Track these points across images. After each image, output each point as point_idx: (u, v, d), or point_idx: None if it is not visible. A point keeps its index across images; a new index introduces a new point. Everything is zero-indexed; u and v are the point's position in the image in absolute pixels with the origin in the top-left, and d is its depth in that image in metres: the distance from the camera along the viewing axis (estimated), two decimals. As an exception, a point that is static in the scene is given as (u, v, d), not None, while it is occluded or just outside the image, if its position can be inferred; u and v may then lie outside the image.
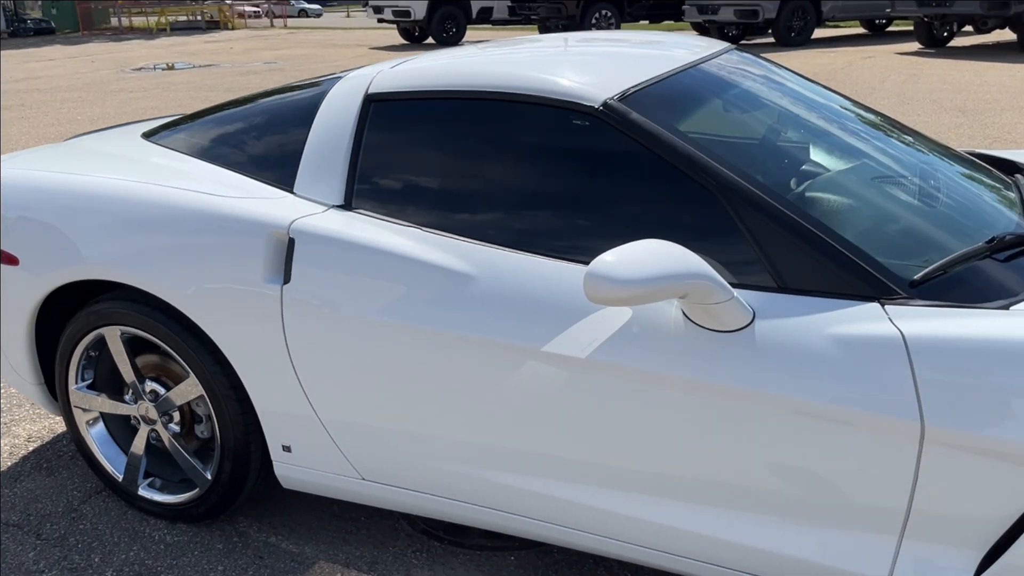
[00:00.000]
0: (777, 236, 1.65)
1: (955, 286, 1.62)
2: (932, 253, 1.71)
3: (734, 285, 1.67)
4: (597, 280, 1.48)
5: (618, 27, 16.95)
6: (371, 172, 2.04)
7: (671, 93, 1.97)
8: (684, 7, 15.76)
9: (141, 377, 2.28)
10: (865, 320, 1.55)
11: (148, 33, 27.77)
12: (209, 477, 2.23)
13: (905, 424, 1.49)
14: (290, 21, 34.67)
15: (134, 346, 2.27)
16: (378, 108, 2.09)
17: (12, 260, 2.27)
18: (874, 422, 1.51)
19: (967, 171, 2.24)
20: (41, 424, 2.86)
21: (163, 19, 29.14)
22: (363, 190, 2.03)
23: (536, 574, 2.10)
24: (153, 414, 2.28)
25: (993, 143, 6.59)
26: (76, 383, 2.35)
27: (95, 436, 2.39)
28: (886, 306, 1.57)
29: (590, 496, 1.80)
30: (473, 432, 1.86)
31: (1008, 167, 2.51)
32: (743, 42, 16.16)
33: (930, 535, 1.55)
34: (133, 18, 32.26)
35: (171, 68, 15.61)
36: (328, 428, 2.03)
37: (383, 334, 1.88)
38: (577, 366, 1.71)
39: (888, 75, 10.62)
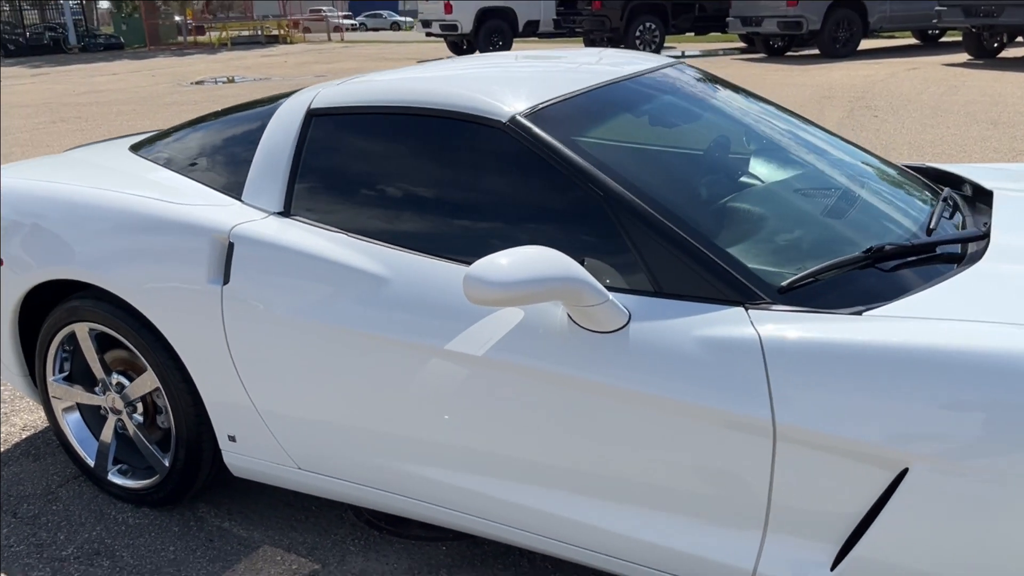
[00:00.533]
0: (654, 243, 1.75)
1: (821, 293, 1.69)
2: (811, 261, 1.78)
3: (619, 289, 1.77)
4: (473, 282, 1.60)
5: (663, 40, 16.97)
6: (308, 181, 2.20)
7: (581, 108, 2.08)
8: (728, 20, 15.72)
9: (108, 370, 2.46)
10: (729, 323, 1.64)
11: (211, 48, 28.70)
12: (167, 464, 2.40)
13: (759, 421, 1.57)
14: (347, 35, 35.40)
15: (104, 341, 2.46)
16: (318, 122, 2.24)
17: (-4, 261, 2.48)
18: (733, 419, 1.60)
19: (888, 184, 2.30)
20: (37, 415, 3.08)
21: (225, 34, 30.08)
22: (301, 198, 2.19)
23: (464, 563, 2.22)
24: (119, 405, 2.46)
25: (1017, 156, 6.49)
26: (53, 375, 2.55)
27: (71, 424, 2.58)
28: (750, 311, 1.65)
29: (488, 485, 1.91)
30: (387, 425, 1.99)
31: (954, 181, 2.55)
32: (789, 53, 16.03)
33: (791, 529, 1.63)
34: (197, 35, 33.34)
35: (231, 81, 16.16)
36: (265, 419, 2.18)
37: (310, 332, 2.02)
38: (474, 363, 1.83)
39: (927, 87, 10.46)
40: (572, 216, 1.86)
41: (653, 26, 16.80)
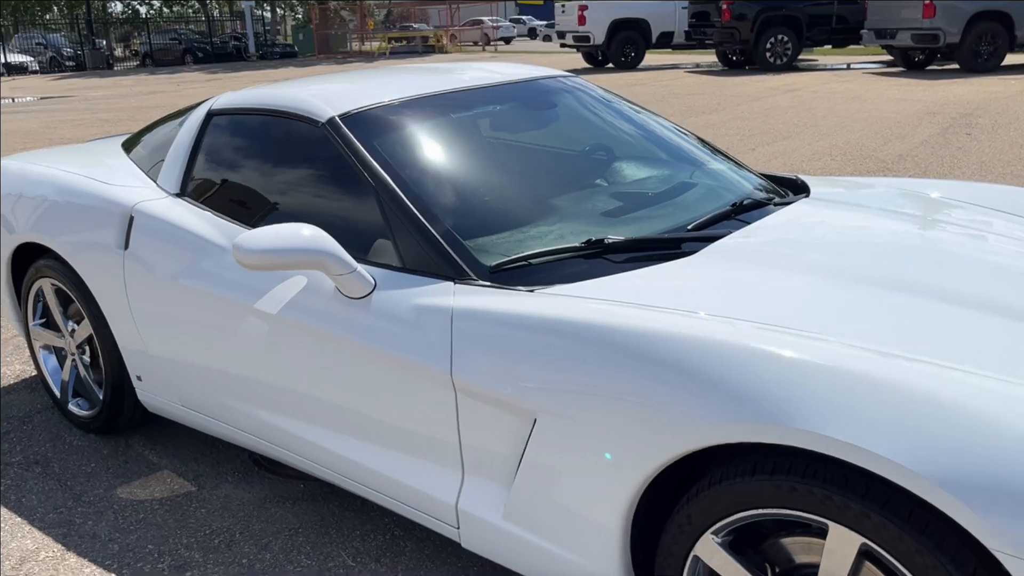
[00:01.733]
0: (403, 227, 2.08)
1: (527, 274, 1.96)
2: (538, 247, 2.05)
3: (379, 264, 2.11)
4: (237, 249, 1.99)
5: (796, 53, 16.58)
6: (199, 168, 2.66)
7: (397, 112, 2.41)
8: (862, 32, 15.19)
9: (66, 319, 3.03)
10: (437, 295, 1.94)
11: (370, 57, 30.46)
12: (101, 399, 2.94)
13: (444, 376, 1.87)
14: (501, 46, 36.41)
15: (64, 295, 3.03)
16: (215, 121, 2.70)
17: (-6, 227, 3.11)
18: (430, 374, 1.90)
19: (705, 188, 2.49)
20: (51, 358, 3.72)
21: (384, 43, 31.82)
22: (192, 182, 2.66)
23: (310, 498, 2.60)
24: (73, 348, 3.02)
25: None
26: (33, 320, 3.15)
27: (45, 361, 3.18)
28: (457, 284, 1.95)
29: (287, 422, 2.30)
30: (224, 367, 2.41)
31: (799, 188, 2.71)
32: (931, 67, 15.27)
33: (480, 470, 1.91)
34: (364, 44, 35.41)
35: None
36: (156, 363, 2.65)
37: (179, 292, 2.48)
38: (271, 320, 2.22)
39: (1053, 105, 9.81)
40: (358, 202, 2.22)
41: (785, 38, 16.46)
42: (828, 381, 1.42)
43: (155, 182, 2.77)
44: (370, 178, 2.19)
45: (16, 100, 18.02)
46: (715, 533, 1.57)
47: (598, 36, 18.78)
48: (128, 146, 3.18)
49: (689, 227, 2.21)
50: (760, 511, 1.50)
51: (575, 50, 20.15)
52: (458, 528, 1.98)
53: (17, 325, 3.30)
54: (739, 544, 1.59)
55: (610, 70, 18.69)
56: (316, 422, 2.23)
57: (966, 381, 1.40)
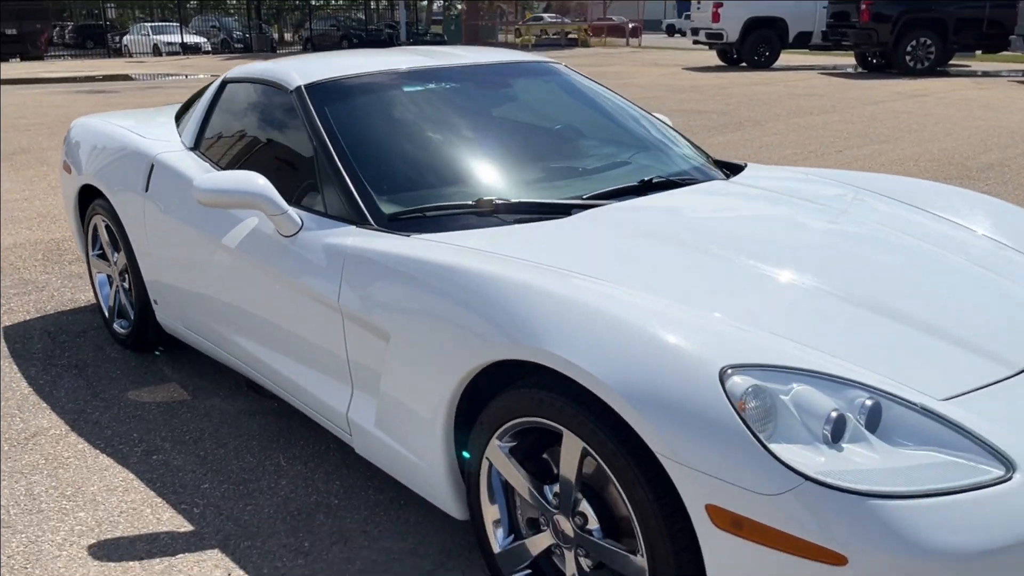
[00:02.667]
0: (328, 180, 2.46)
1: (419, 224, 2.29)
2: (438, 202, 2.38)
3: (311, 210, 2.49)
4: (194, 187, 2.43)
5: (941, 58, 15.79)
6: (210, 127, 3.14)
7: (357, 84, 2.78)
8: (1011, 38, 14.34)
9: (113, 251, 3.60)
10: (340, 236, 2.31)
11: (525, 48, 31.14)
12: (132, 317, 3.49)
13: (335, 303, 2.23)
14: (648, 40, 36.22)
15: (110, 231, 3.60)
16: (228, 87, 3.17)
17: (68, 168, 3.73)
18: (328, 301, 2.27)
19: (640, 163, 2.74)
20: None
21: (528, 36, 32.40)
22: (204, 139, 3.14)
23: (279, 416, 3.03)
24: (116, 275, 3.59)
25: None
26: (92, 250, 3.75)
27: (100, 287, 3.77)
28: (358, 228, 2.30)
29: (240, 338, 2.73)
30: (203, 292, 2.87)
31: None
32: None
33: (362, 384, 2.26)
34: (510, 36, 36.17)
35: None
36: (166, 289, 3.16)
37: (177, 229, 2.96)
38: (231, 252, 2.65)
39: None
40: (306, 159, 2.61)
41: (928, 42, 15.71)
42: (565, 310, 1.69)
43: (180, 138, 3.28)
44: (313, 138, 2.58)
45: (188, 77, 19.73)
46: (499, 438, 1.86)
47: (732, 34, 18.53)
48: (180, 110, 3.72)
49: (585, 196, 2.47)
50: (524, 419, 1.78)
51: (708, 47, 19.96)
52: (351, 436, 2.35)
53: (82, 254, 3.92)
54: (521, 454, 1.87)
55: (742, 69, 18.42)
56: (259, 340, 2.64)
57: (658, 312, 1.67)
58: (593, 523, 1.72)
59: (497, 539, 1.97)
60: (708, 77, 16.60)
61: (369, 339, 2.17)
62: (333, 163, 2.48)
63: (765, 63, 18.65)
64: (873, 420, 1.51)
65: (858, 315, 1.83)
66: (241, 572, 2.18)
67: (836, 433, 1.47)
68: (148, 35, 31.48)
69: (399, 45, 34.54)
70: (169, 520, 2.40)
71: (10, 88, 15.95)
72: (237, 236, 2.63)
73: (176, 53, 30.46)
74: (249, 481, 2.61)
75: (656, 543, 1.55)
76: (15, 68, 21.92)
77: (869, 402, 1.52)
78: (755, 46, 18.57)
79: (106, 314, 3.73)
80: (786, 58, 19.61)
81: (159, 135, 3.34)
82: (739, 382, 1.49)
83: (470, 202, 2.36)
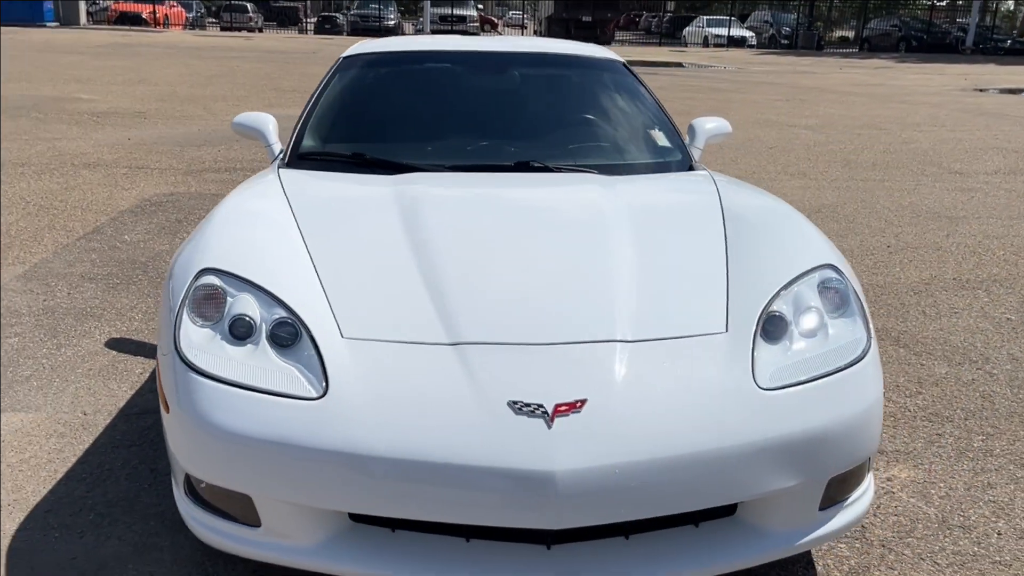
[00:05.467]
0: (303, 127, 3.24)
1: (314, 164, 2.91)
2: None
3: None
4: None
5: None
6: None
7: (390, 58, 3.42)
8: None
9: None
10: (274, 168, 3.04)
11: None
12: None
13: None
14: None
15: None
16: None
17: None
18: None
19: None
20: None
21: None
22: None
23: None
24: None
25: None
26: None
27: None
28: (282, 164, 3.06)
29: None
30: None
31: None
32: None
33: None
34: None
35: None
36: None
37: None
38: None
39: None
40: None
41: None
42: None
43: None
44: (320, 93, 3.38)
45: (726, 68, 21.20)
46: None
47: None
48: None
49: (448, 164, 2.88)
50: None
51: None
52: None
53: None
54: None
55: None
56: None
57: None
58: None
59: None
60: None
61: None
62: (310, 113, 3.15)
63: None
64: (286, 336, 1.90)
65: (409, 287, 2.08)
66: None
67: (239, 333, 1.91)
68: (703, 27, 33.71)
69: (963, 51, 30.91)
70: None
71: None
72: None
73: (722, 45, 32.04)
74: None
75: None
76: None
77: (290, 320, 1.91)
78: None
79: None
80: None
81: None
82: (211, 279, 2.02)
83: (348, 153, 2.98)
